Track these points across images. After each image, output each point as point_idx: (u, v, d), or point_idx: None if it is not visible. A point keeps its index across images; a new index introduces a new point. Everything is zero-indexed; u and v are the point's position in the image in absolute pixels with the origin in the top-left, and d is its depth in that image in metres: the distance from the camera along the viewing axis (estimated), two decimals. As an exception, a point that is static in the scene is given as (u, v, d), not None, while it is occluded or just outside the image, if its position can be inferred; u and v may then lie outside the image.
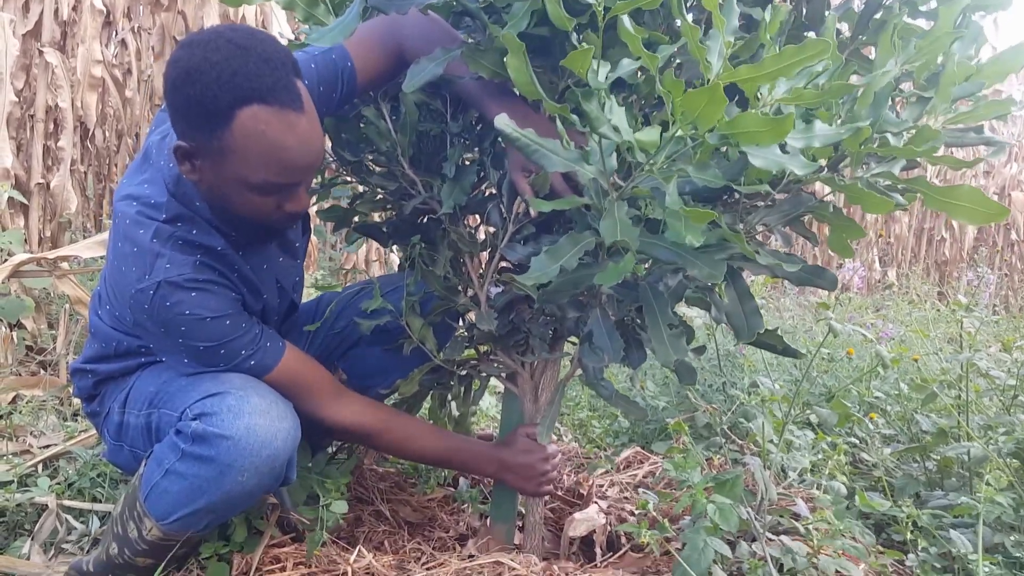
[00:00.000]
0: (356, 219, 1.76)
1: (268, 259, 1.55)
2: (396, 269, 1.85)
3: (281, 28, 4.19)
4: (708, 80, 0.97)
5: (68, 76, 3.77)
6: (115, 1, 4.17)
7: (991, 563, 1.42)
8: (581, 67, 1.01)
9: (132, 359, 1.55)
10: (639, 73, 1.30)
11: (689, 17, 0.99)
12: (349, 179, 1.66)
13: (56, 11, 3.82)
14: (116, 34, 4.39)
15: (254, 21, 4.19)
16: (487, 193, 1.63)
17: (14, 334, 3.09)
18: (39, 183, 3.74)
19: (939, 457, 1.85)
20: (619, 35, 1.02)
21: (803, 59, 0.95)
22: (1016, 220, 9.06)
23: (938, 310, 3.09)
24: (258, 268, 1.53)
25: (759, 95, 1.06)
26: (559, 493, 2.01)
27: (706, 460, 2.04)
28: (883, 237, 8.43)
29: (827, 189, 1.22)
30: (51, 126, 3.90)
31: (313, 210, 1.78)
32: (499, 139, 1.50)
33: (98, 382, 1.61)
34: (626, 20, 1.00)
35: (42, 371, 3.12)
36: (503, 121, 1.15)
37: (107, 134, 4.62)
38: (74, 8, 3.93)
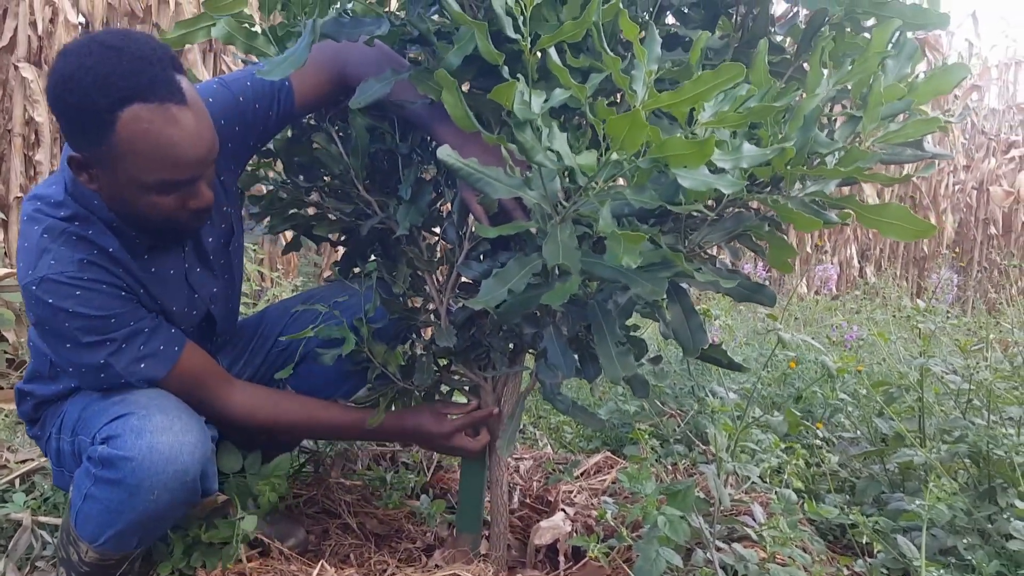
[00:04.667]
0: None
1: (177, 266, 1.52)
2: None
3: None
4: (634, 107, 1.00)
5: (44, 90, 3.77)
6: (94, 11, 4.18)
7: (941, 568, 1.45)
8: (507, 100, 1.04)
9: (63, 382, 1.54)
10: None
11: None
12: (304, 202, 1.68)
13: (33, 23, 3.82)
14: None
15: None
16: (444, 212, 1.65)
17: (-7, 348, 3.11)
18: (18, 196, 3.75)
19: (898, 460, 1.89)
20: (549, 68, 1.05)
21: (719, 83, 0.98)
22: (995, 214, 9.11)
23: (895, 313, 3.12)
24: (163, 274, 1.49)
25: (693, 118, 1.09)
26: (527, 500, 2.04)
27: (671, 466, 2.07)
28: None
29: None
30: (32, 137, 3.91)
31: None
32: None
33: (37, 405, 1.60)
34: (553, 53, 1.03)
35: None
36: (445, 152, 1.18)
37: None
38: (51, 21, 3.94)
